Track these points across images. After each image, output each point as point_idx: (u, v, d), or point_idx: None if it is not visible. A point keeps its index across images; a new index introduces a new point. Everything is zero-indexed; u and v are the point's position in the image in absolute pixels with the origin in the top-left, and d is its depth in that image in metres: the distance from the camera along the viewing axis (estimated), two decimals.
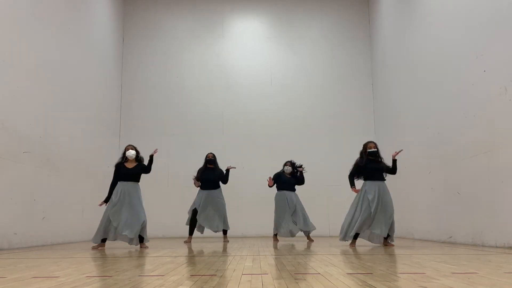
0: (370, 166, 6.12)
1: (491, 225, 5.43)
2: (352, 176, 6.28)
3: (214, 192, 7.32)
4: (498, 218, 5.28)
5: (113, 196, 5.91)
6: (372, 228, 5.98)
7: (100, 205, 6.02)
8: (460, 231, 6.20)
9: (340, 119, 10.54)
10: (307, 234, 7.55)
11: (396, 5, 9.09)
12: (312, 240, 7.47)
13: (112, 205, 5.85)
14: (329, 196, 10.01)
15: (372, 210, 5.89)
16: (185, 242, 7.21)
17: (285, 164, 7.72)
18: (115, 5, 10.34)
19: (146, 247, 5.91)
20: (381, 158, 6.24)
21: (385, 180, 6.16)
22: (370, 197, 5.95)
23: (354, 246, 5.96)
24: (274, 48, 10.99)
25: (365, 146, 6.27)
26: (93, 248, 5.82)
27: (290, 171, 7.64)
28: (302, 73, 10.84)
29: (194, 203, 7.34)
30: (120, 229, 5.75)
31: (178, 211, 9.57)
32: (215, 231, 7.41)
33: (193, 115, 10.59)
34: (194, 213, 7.28)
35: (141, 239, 5.96)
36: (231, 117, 10.58)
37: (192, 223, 7.29)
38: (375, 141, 6.49)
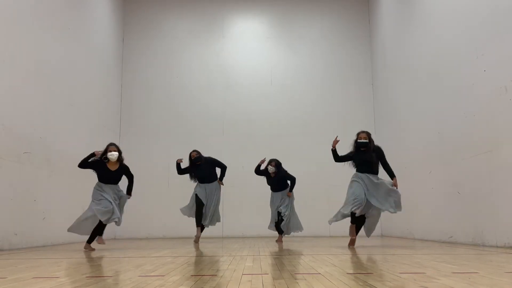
0: (358, 157, 5.97)
1: (492, 224, 5.43)
2: (337, 154, 6.17)
3: (211, 185, 7.33)
4: (499, 218, 5.28)
5: (95, 197, 5.83)
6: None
7: (96, 154, 5.85)
8: (461, 231, 6.20)
9: (340, 119, 10.53)
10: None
11: (396, 5, 9.09)
12: (281, 242, 7.30)
13: (97, 205, 5.75)
14: (329, 197, 10.00)
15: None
16: (196, 237, 7.19)
17: (269, 163, 7.47)
18: (115, 5, 10.34)
19: (103, 243, 5.91)
20: (374, 149, 5.95)
21: (376, 173, 5.95)
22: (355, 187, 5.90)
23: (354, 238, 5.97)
24: (274, 48, 10.99)
25: (357, 135, 6.06)
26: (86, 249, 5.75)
27: (273, 171, 7.42)
28: (302, 73, 10.84)
29: (195, 195, 7.27)
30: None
31: (178, 211, 9.57)
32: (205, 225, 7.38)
33: (193, 115, 10.59)
34: (198, 204, 7.22)
35: (100, 233, 5.86)
36: (231, 117, 10.58)
37: (199, 212, 7.21)
38: (369, 132, 6.15)
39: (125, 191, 6.07)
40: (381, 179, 5.92)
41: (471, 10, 5.95)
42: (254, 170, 7.68)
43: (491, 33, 5.47)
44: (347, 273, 2.88)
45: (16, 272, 3.17)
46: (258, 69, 10.83)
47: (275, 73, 10.83)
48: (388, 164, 6.01)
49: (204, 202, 7.24)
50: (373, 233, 8.85)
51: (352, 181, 6.00)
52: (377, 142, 9.75)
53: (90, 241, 5.79)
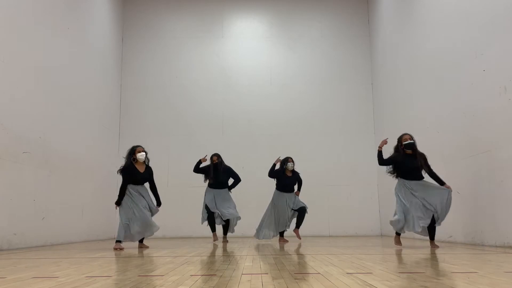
0: (407, 164, 5.60)
1: (491, 224, 5.43)
2: (382, 156, 5.72)
3: (223, 190, 7.36)
4: (498, 218, 5.28)
5: (127, 199, 5.86)
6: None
7: (117, 207, 5.93)
8: (460, 230, 6.21)
9: (339, 119, 10.54)
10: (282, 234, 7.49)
11: (395, 4, 9.09)
12: (287, 241, 7.30)
13: (129, 208, 5.82)
14: (329, 196, 10.02)
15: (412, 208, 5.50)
16: (213, 241, 7.20)
17: (287, 161, 7.32)
18: (114, 5, 10.34)
19: (147, 247, 5.97)
20: (420, 154, 5.69)
21: (423, 178, 5.65)
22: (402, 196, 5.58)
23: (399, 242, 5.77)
24: (274, 48, 10.99)
25: (400, 139, 5.74)
26: (115, 248, 5.71)
27: (292, 167, 7.32)
28: (302, 72, 10.85)
29: (205, 202, 7.33)
30: (139, 231, 5.83)
31: (177, 211, 9.59)
32: (227, 218, 7.31)
33: (193, 115, 10.59)
34: (207, 210, 7.27)
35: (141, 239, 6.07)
36: (231, 117, 10.58)
37: (211, 220, 7.28)
38: (410, 133, 5.85)
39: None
40: (428, 183, 5.61)
41: (470, 10, 5.95)
42: (268, 173, 7.36)
43: (490, 33, 5.48)
44: (347, 273, 2.88)
45: (16, 272, 3.17)
46: (258, 69, 10.83)
47: (275, 73, 10.83)
48: (433, 171, 5.64)
49: (213, 209, 7.21)
50: (372, 233, 8.85)
51: (404, 193, 5.59)
52: (376, 141, 9.73)
53: (141, 240, 6.07)
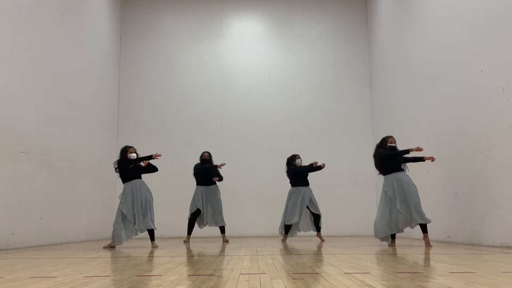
0: (392, 159, 5.99)
1: (489, 224, 5.44)
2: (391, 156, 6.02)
3: (211, 188, 7.41)
4: (496, 218, 5.29)
5: (124, 198, 6.00)
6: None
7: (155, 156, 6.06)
8: (458, 230, 6.21)
9: (338, 119, 10.54)
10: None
11: (394, 5, 9.10)
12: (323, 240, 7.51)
13: (127, 206, 5.96)
14: (327, 196, 10.01)
15: (398, 208, 5.79)
16: (184, 241, 7.29)
17: (297, 157, 7.54)
18: (113, 5, 10.32)
19: (156, 246, 6.00)
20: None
21: (403, 170, 6.01)
22: (390, 195, 5.86)
23: (394, 245, 5.88)
24: (272, 48, 10.99)
25: (385, 140, 6.14)
26: (105, 247, 5.99)
27: (301, 164, 7.53)
28: (301, 73, 10.85)
29: (194, 202, 7.39)
30: (140, 225, 6.00)
31: (176, 211, 9.57)
32: (207, 224, 7.51)
33: (192, 115, 10.58)
34: (194, 213, 7.35)
35: (152, 237, 6.14)
36: (230, 117, 10.58)
37: (191, 223, 7.38)
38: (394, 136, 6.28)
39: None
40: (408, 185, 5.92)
41: (469, 10, 5.96)
42: (308, 170, 7.53)
43: (489, 33, 5.49)
44: (345, 273, 2.88)
45: (13, 272, 3.17)
46: (257, 69, 10.83)
47: (274, 73, 10.83)
48: (408, 159, 6.08)
49: (201, 209, 7.33)
50: (370, 233, 8.85)
51: (387, 192, 5.95)
52: (374, 141, 9.73)
53: (152, 239, 6.18)
